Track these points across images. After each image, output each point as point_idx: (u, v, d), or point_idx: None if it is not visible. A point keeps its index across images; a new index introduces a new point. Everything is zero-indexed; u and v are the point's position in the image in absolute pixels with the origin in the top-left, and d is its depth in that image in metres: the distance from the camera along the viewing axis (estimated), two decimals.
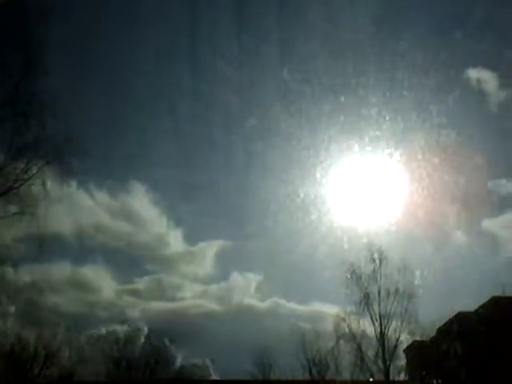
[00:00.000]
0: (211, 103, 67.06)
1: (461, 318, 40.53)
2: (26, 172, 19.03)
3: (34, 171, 19.07)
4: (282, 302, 62.44)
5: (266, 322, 62.70)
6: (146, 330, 51.25)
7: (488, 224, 58.04)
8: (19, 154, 18.99)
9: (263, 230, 62.27)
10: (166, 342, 48.67)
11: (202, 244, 68.90)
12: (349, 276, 39.12)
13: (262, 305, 64.95)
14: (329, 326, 44.67)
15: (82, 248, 55.90)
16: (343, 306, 40.51)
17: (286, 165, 53.22)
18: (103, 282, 64.49)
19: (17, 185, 18.85)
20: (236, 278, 67.17)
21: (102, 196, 63.21)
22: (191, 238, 72.48)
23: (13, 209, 18.93)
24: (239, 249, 68.18)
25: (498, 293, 38.18)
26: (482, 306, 39.34)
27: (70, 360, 43.85)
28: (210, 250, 68.28)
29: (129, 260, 67.50)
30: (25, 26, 19.12)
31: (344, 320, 39.81)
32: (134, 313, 57.75)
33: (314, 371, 45.57)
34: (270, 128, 53.03)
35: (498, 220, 59.42)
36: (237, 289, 68.27)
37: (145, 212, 69.35)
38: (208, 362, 50.74)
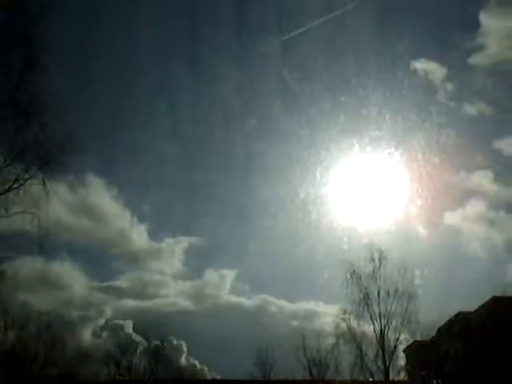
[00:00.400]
0: (211, 103, 67.18)
1: (461, 318, 40.43)
2: (27, 171, 19.11)
3: (35, 171, 19.15)
4: (272, 299, 62.04)
5: (256, 319, 62.75)
6: (108, 314, 51.67)
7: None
8: (20, 154, 19.03)
9: (257, 230, 62.54)
10: (129, 327, 49.05)
11: (168, 240, 68.13)
12: (349, 276, 39.20)
13: (250, 302, 64.52)
14: (326, 326, 44.99)
15: (48, 244, 54.69)
16: (343, 306, 40.61)
17: (286, 165, 53.42)
18: (72, 279, 62.27)
19: (17, 184, 18.91)
20: (211, 275, 66.44)
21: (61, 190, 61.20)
22: (156, 235, 72.67)
23: (14, 208, 18.94)
24: (209, 245, 67.45)
25: (498, 293, 38.19)
26: (482, 306, 39.29)
27: (70, 359, 43.96)
28: (177, 246, 67.29)
29: (95, 256, 66.47)
30: (25, 26, 19.09)
31: (344, 320, 39.90)
32: (107, 310, 57.30)
33: (313, 371, 45.64)
34: (270, 128, 53.25)
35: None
36: (219, 286, 67.47)
37: (107, 208, 67.17)
38: (183, 344, 50.97)
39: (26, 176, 19.02)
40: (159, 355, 48.20)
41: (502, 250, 56.68)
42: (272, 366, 48.39)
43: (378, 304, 39.47)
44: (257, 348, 47.30)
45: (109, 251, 66.94)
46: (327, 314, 53.50)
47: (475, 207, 57.10)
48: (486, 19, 57.32)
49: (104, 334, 49.16)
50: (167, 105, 69.69)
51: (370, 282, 39.54)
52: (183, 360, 51.35)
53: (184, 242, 65.98)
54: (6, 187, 18.85)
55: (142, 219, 66.02)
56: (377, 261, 39.48)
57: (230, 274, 65.00)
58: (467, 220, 58.75)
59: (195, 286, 67.54)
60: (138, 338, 49.00)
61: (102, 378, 47.71)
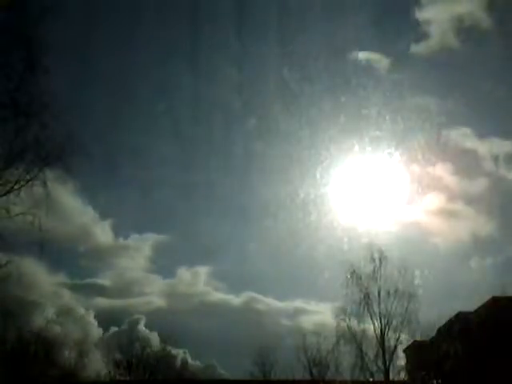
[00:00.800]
0: (211, 103, 67.22)
1: (461, 318, 40.49)
2: (28, 173, 19.09)
3: (35, 172, 19.14)
4: (260, 298, 62.81)
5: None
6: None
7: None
8: (20, 155, 19.01)
9: (256, 230, 62.48)
10: (90, 315, 49.10)
11: (135, 236, 68.23)
12: (349, 276, 39.21)
13: (237, 300, 64.80)
14: (316, 324, 45.26)
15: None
16: (338, 305, 40.64)
17: (286, 165, 53.46)
18: (37, 276, 59.17)
19: (18, 186, 18.89)
20: (184, 272, 67.42)
21: None
22: (121, 231, 71.30)
23: (15, 210, 18.92)
24: (176, 242, 67.21)
25: (498, 293, 38.24)
26: (482, 306, 39.33)
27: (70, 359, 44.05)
28: (144, 243, 67.83)
29: (60, 253, 65.26)
30: (25, 26, 19.05)
31: (344, 320, 39.89)
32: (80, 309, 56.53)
33: (314, 371, 45.73)
34: (270, 128, 53.33)
35: None
36: (196, 284, 68.59)
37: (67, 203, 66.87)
38: (157, 334, 51.12)
39: (27, 177, 19.02)
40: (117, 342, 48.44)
41: None
42: (272, 365, 48.65)
43: (379, 304, 39.55)
44: (257, 347, 47.68)
45: (74, 248, 65.28)
46: (320, 313, 54.04)
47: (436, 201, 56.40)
48: (427, 8, 57.77)
49: (62, 320, 48.75)
50: (167, 105, 69.86)
51: (370, 282, 39.59)
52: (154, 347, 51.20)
53: (148, 239, 66.73)
54: (7, 188, 18.84)
55: (104, 216, 65.37)
56: (377, 261, 39.54)
57: (203, 271, 66.24)
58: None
59: (172, 283, 68.08)
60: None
61: (102, 378, 47.82)
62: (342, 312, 39.97)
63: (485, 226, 54.63)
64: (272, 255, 59.05)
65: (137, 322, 52.70)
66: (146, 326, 52.66)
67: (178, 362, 51.61)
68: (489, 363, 34.88)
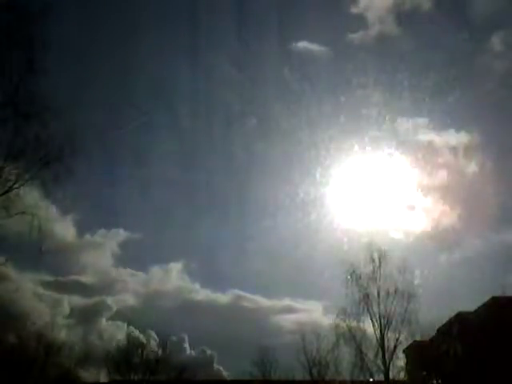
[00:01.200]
0: (211, 103, 67.39)
1: (461, 318, 40.53)
2: (27, 172, 19.11)
3: (35, 171, 19.16)
4: (251, 296, 63.89)
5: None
6: None
7: None
8: (20, 154, 19.02)
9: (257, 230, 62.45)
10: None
11: (102, 232, 68.32)
12: (349, 276, 39.15)
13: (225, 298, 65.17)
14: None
15: None
16: (343, 306, 40.53)
17: (286, 165, 53.57)
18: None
19: (18, 185, 18.92)
20: (158, 270, 68.76)
21: None
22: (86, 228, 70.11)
23: (15, 209, 18.95)
24: (145, 240, 67.08)
25: (498, 293, 38.29)
26: (482, 306, 39.36)
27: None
28: (110, 240, 67.97)
29: (28, 249, 63.35)
30: (25, 26, 19.08)
31: (344, 320, 39.82)
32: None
33: (313, 371, 45.72)
34: (270, 128, 53.43)
35: None
36: (172, 280, 68.99)
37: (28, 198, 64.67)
38: (126, 328, 51.32)
39: (26, 177, 19.05)
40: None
41: None
42: (272, 365, 48.71)
43: (378, 304, 39.43)
44: (257, 348, 47.82)
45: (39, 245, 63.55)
46: (313, 311, 54.05)
47: None
48: None
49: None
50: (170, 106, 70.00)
51: (369, 282, 39.52)
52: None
53: (114, 235, 67.12)
54: (7, 188, 18.86)
55: (66, 211, 64.30)
56: (376, 261, 39.48)
57: (176, 267, 66.55)
58: None
59: (150, 280, 68.97)
60: None
61: (102, 379, 47.90)
62: (341, 312, 39.90)
63: (446, 219, 53.71)
64: (270, 255, 59.10)
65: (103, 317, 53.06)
66: (115, 320, 53.08)
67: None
68: (489, 363, 34.93)
